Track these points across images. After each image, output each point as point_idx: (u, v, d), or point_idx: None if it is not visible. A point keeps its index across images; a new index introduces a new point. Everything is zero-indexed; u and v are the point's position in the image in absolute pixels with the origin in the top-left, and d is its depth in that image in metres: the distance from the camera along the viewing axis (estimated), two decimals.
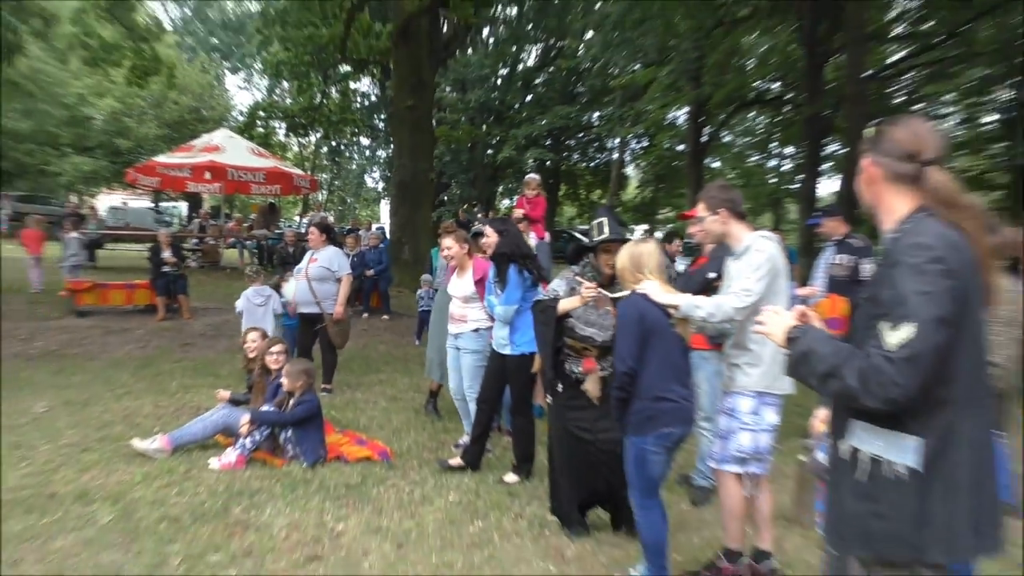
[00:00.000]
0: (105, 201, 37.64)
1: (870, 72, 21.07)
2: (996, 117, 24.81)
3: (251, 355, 6.98)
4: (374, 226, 20.73)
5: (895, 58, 24.89)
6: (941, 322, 2.11)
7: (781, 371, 4.02)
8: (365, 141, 43.27)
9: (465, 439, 6.24)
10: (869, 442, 2.27)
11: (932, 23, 23.03)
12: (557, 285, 4.95)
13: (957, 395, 2.19)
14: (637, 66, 25.46)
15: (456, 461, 6.05)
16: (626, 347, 3.86)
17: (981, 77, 24.14)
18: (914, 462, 2.18)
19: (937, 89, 25.34)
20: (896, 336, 2.12)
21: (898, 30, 24.40)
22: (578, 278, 4.83)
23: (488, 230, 6.04)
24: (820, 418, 4.07)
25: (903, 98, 25.02)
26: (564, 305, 4.75)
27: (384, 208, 44.25)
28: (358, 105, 36.47)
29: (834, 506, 2.43)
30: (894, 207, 2.37)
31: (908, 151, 2.35)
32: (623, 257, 4.12)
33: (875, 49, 23.02)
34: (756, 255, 4.00)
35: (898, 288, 2.16)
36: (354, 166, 47.66)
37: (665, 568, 3.96)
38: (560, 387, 4.83)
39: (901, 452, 2.20)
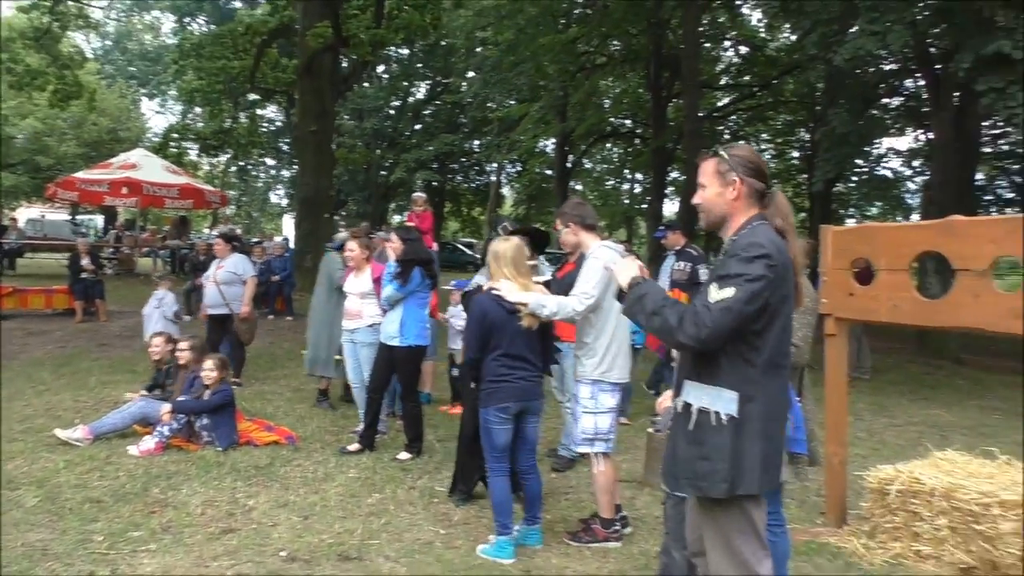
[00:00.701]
0: (24, 214, 35.21)
1: (704, 113, 22.00)
2: (798, 153, 26.34)
3: (155, 358, 6.72)
4: (276, 238, 20.18)
5: (723, 103, 26.11)
6: (755, 296, 2.32)
7: (615, 361, 4.21)
8: (271, 161, 42.05)
9: (361, 426, 6.15)
10: (698, 397, 2.45)
11: (749, 77, 24.29)
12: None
13: (762, 361, 2.40)
14: (512, 101, 25.73)
15: (354, 446, 5.95)
16: (472, 340, 4.16)
17: (787, 121, 25.61)
18: (733, 411, 2.38)
19: (755, 129, 26.73)
20: (718, 294, 2.34)
21: (724, 80, 25.60)
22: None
23: (394, 237, 6.00)
24: (664, 399, 4.23)
25: (729, 136, 26.26)
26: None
27: (287, 221, 43.14)
28: (265, 129, 35.38)
29: (670, 454, 2.58)
30: (741, 217, 2.54)
31: (761, 172, 2.57)
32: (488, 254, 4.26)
33: (707, 95, 24.05)
34: (594, 262, 4.13)
35: (730, 269, 2.36)
36: (260, 184, 46.28)
37: (508, 526, 4.06)
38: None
39: (724, 403, 2.40)
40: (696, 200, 2.64)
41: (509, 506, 4.09)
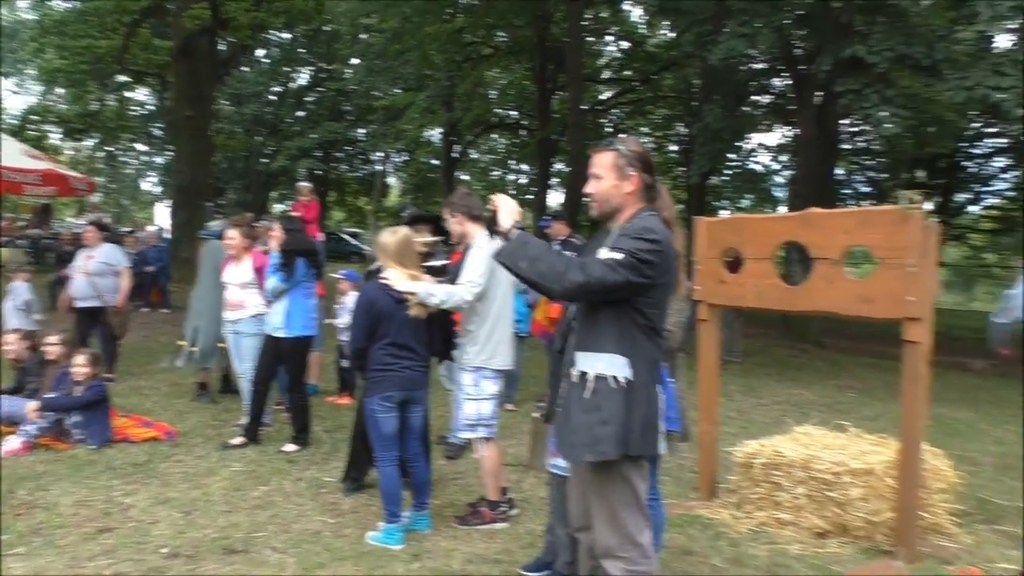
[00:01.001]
0: None
1: (587, 106, 22.51)
2: (676, 147, 27.37)
3: (10, 357, 6.33)
4: (150, 227, 19.28)
5: (605, 96, 26.76)
6: (638, 267, 2.47)
7: (497, 349, 4.32)
8: (142, 147, 39.85)
9: (245, 419, 6.02)
10: (592, 365, 2.58)
11: (630, 71, 25.02)
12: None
13: (646, 333, 2.59)
14: (398, 90, 25.47)
15: (238, 440, 5.81)
16: (358, 328, 4.17)
17: (665, 115, 26.56)
18: (628, 374, 2.55)
19: (636, 123, 27.56)
20: (608, 255, 2.48)
21: (606, 75, 26.25)
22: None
23: (276, 226, 5.89)
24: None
25: (611, 129, 26.96)
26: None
27: (160, 210, 41.06)
28: (135, 113, 33.58)
29: (565, 425, 2.68)
30: (631, 209, 2.69)
31: (651, 168, 2.74)
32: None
33: (590, 88, 24.60)
34: (479, 250, 4.23)
35: (622, 243, 2.51)
36: (130, 171, 43.81)
37: (397, 514, 4.10)
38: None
39: (618, 368, 2.55)
40: (590, 190, 2.75)
41: (398, 494, 4.14)
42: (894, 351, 3.99)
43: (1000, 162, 23.86)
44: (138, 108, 34.82)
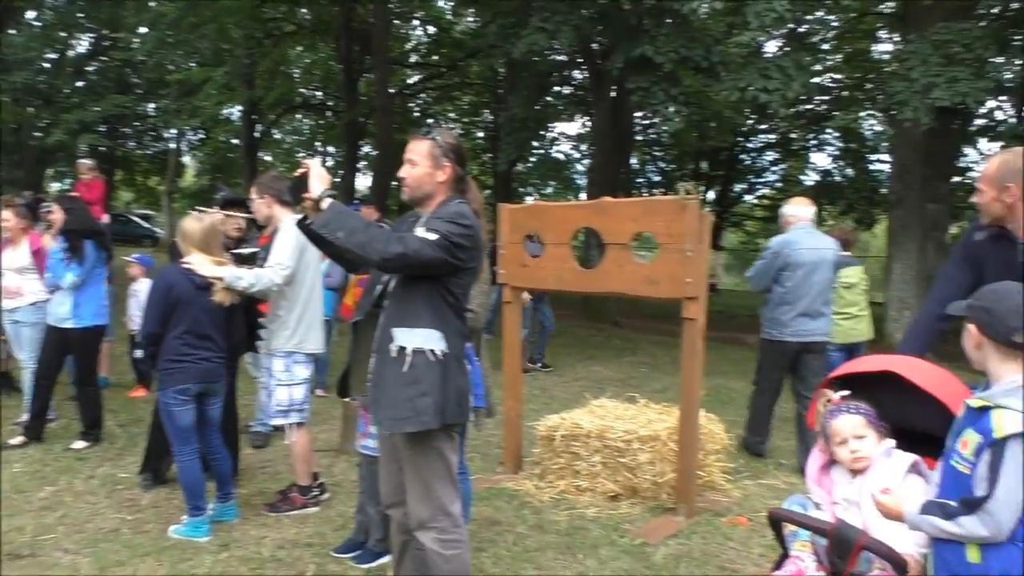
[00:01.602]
0: None
1: (394, 89, 22.37)
2: (483, 134, 27.92)
3: None
4: None
5: (412, 80, 26.71)
6: (450, 248, 2.61)
7: (308, 333, 4.33)
8: None
9: (25, 416, 5.54)
10: (410, 340, 2.69)
11: (437, 57, 25.16)
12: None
13: (455, 311, 2.76)
14: (193, 64, 23.94)
15: (17, 439, 5.35)
16: (152, 313, 3.95)
17: (472, 102, 27.01)
18: (445, 347, 2.69)
19: (444, 108, 27.77)
20: (424, 233, 2.61)
21: (414, 59, 26.22)
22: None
23: (55, 207, 5.44)
24: None
25: (419, 113, 26.99)
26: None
27: None
28: None
29: (382, 399, 2.75)
30: (442, 197, 2.83)
31: (464, 160, 2.89)
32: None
33: (397, 71, 24.47)
34: (286, 234, 4.20)
35: (436, 225, 2.64)
36: None
37: (201, 507, 4.01)
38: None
39: (434, 342, 2.68)
40: (404, 175, 2.85)
41: (201, 487, 4.01)
42: (680, 329, 4.41)
43: (770, 156, 26.62)
44: None
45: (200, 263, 3.98)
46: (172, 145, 34.28)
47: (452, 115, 27.89)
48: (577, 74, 19.52)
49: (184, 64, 24.31)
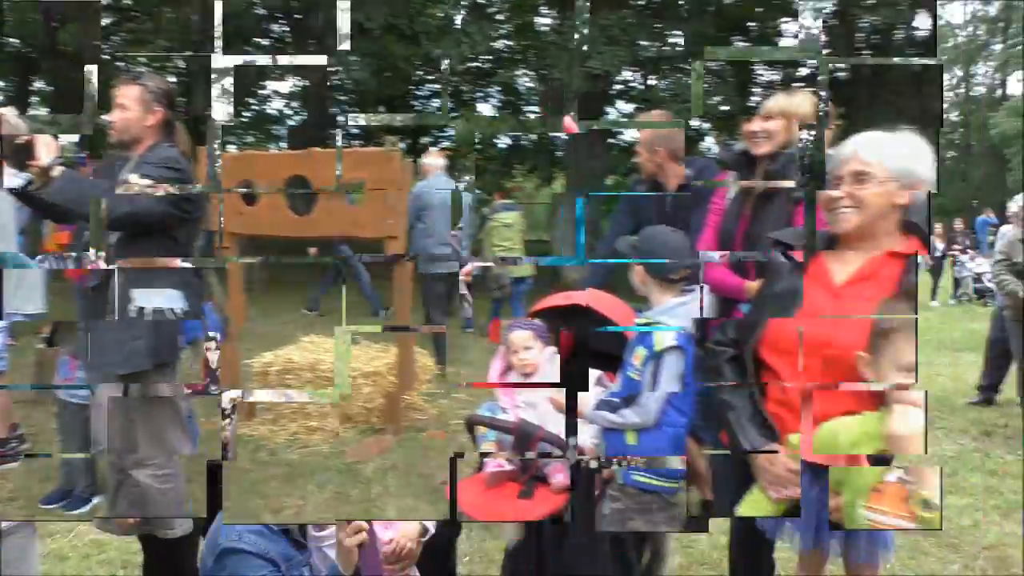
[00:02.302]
0: None
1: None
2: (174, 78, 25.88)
3: None
4: None
5: (105, 23, 23.87)
6: (178, 200, 2.65)
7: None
8: None
9: None
10: (148, 300, 2.71)
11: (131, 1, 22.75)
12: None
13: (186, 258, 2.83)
14: None
15: None
16: None
17: (167, 48, 24.83)
18: (184, 305, 2.75)
19: (137, 52, 25.23)
20: (138, 182, 2.51)
21: (107, 1, 23.41)
22: None
23: None
24: None
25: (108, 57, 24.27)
26: None
27: None
28: None
29: (98, 347, 2.78)
30: (151, 141, 2.81)
31: (174, 104, 2.89)
32: None
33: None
34: None
35: (148, 171, 2.61)
36: None
37: None
38: None
39: (172, 301, 2.72)
40: (111, 119, 2.80)
41: None
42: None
43: (436, 103, 27.73)
44: None
45: None
46: None
47: (143, 60, 25.48)
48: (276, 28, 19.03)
49: None
